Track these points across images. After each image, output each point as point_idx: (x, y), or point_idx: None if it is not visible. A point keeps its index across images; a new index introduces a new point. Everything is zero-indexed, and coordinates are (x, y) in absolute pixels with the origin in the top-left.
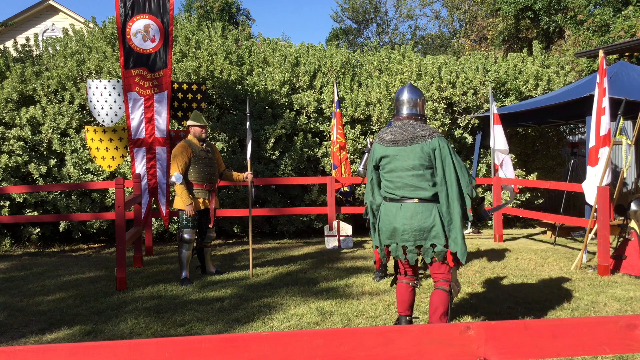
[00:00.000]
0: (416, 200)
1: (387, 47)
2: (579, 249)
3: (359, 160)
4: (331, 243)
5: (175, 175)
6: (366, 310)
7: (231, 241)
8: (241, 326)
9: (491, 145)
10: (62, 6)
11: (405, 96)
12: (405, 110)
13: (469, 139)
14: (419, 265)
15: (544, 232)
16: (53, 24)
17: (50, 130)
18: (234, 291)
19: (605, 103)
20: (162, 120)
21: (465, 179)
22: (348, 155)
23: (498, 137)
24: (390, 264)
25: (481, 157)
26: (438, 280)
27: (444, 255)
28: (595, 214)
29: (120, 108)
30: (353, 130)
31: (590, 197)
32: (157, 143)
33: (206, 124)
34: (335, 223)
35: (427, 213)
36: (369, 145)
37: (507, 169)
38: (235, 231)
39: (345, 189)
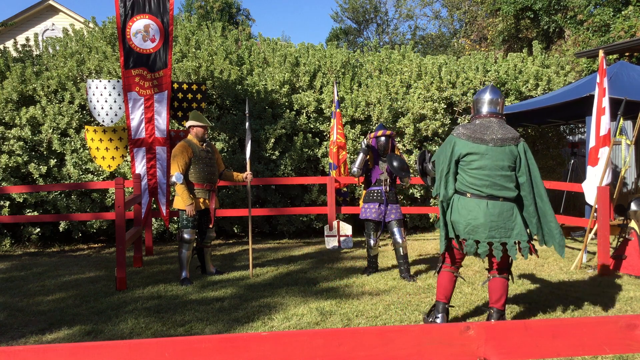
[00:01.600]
0: (501, 199)
1: (387, 47)
2: (579, 249)
3: None
4: (331, 243)
5: (176, 175)
6: (366, 310)
7: (231, 241)
8: (241, 326)
9: None
10: (62, 6)
11: (488, 95)
12: (486, 109)
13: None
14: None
15: None
16: (53, 24)
17: (50, 130)
18: (234, 291)
19: (605, 103)
20: (162, 120)
21: (542, 190)
22: (348, 156)
23: None
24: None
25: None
26: (501, 269)
27: (529, 250)
28: (595, 214)
29: (120, 108)
30: (353, 130)
31: (590, 197)
32: (157, 143)
33: (208, 124)
34: (335, 223)
35: (511, 212)
36: (364, 146)
37: None
38: (235, 231)
39: (344, 189)
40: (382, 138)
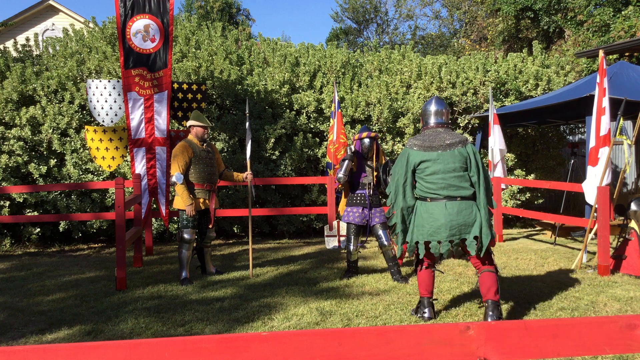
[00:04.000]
0: (459, 198)
1: (387, 47)
2: (579, 249)
3: None
4: (331, 243)
5: (176, 175)
6: (366, 310)
7: (231, 241)
8: (241, 326)
9: (490, 144)
10: (62, 6)
11: (433, 107)
12: (433, 120)
13: (469, 139)
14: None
15: (543, 232)
16: (53, 24)
17: (50, 130)
18: (234, 291)
19: (605, 103)
20: (162, 120)
21: (490, 186)
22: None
23: (497, 137)
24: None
25: (481, 157)
26: (484, 264)
27: (489, 243)
28: (595, 214)
29: (120, 108)
30: (353, 131)
31: (590, 197)
32: (157, 143)
33: (209, 124)
34: (335, 223)
35: (470, 209)
36: (349, 153)
37: (498, 170)
38: (235, 231)
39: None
40: (367, 140)
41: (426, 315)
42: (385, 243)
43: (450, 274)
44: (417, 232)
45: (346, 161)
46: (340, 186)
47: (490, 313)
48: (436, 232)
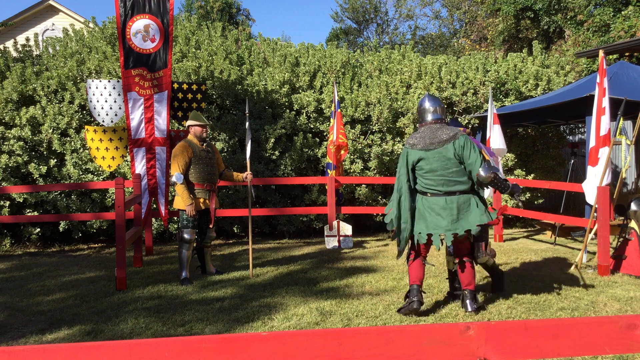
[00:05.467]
0: (457, 193)
1: (387, 47)
2: (579, 249)
3: (359, 160)
4: (331, 243)
5: (176, 175)
6: (366, 310)
7: (231, 241)
8: (241, 326)
9: (490, 144)
10: (62, 6)
11: (426, 105)
12: (428, 117)
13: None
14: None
15: (544, 232)
16: (53, 24)
17: (50, 130)
18: (234, 291)
19: (605, 103)
20: (162, 120)
21: (479, 163)
22: (347, 156)
23: (497, 137)
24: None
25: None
26: (464, 255)
27: (479, 232)
28: (595, 214)
29: (120, 108)
30: (353, 130)
31: (590, 197)
32: (157, 143)
33: (207, 123)
34: (335, 223)
35: (468, 202)
36: None
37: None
38: (235, 231)
39: (341, 189)
40: None
41: (415, 299)
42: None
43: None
44: (419, 226)
45: None
46: (339, 186)
47: (469, 302)
48: (438, 226)
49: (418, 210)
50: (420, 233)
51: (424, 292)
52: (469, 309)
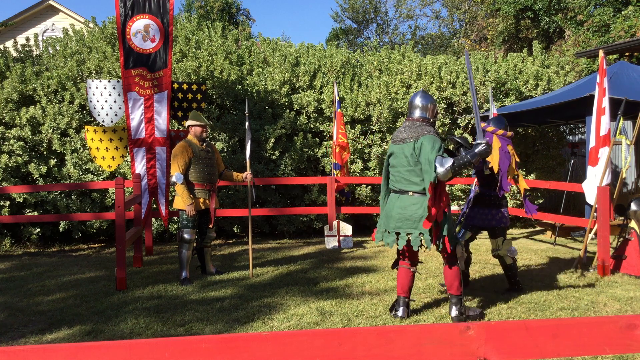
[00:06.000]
0: (410, 192)
1: (387, 47)
2: (579, 249)
3: (359, 160)
4: (331, 243)
5: (176, 175)
6: (366, 310)
7: (231, 241)
8: (241, 326)
9: None
10: (62, 6)
11: (417, 100)
12: (415, 113)
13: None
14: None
15: (544, 232)
16: (53, 24)
17: (50, 130)
18: (234, 291)
19: (605, 103)
20: (162, 120)
21: (429, 168)
22: (350, 156)
23: None
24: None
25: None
26: (445, 257)
27: (429, 242)
28: (595, 214)
29: (120, 108)
30: (353, 130)
31: (590, 197)
32: (157, 143)
33: (207, 123)
34: (335, 223)
35: (419, 205)
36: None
37: None
38: (235, 231)
39: (347, 189)
40: None
41: (399, 314)
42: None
43: None
44: (380, 221)
45: None
46: (344, 186)
47: (453, 307)
48: (386, 223)
49: (385, 207)
50: (381, 232)
51: (413, 300)
52: (451, 314)
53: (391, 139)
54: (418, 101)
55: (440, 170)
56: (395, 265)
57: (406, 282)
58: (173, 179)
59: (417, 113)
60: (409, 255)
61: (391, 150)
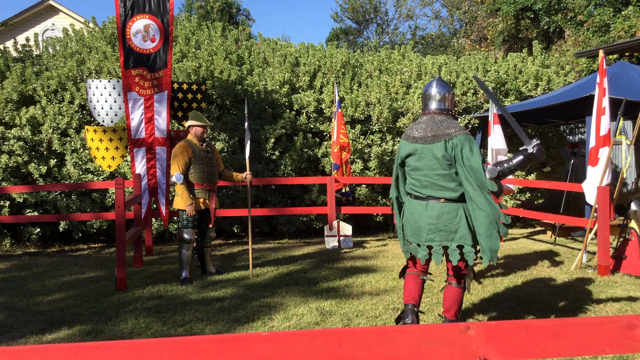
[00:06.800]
0: (442, 200)
1: (387, 47)
2: (579, 249)
3: (359, 160)
4: (331, 243)
5: (176, 175)
6: (366, 310)
7: (231, 241)
8: (241, 326)
9: (489, 144)
10: (62, 6)
11: (432, 90)
12: (432, 105)
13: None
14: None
15: (544, 232)
16: (53, 24)
17: (50, 130)
18: (234, 291)
19: (605, 103)
20: (162, 120)
21: (480, 176)
22: (350, 156)
23: (497, 137)
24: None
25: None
26: (451, 276)
27: (473, 256)
28: (595, 214)
29: (120, 108)
30: (353, 130)
31: (590, 197)
32: (157, 143)
33: (207, 123)
34: (335, 223)
35: (454, 213)
36: None
37: None
38: (235, 231)
39: (346, 189)
40: None
41: (409, 322)
42: None
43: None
44: (402, 231)
45: None
46: (345, 187)
47: None
48: (416, 234)
49: (403, 214)
50: (404, 244)
51: (422, 312)
52: None
53: (405, 136)
54: (434, 91)
55: (491, 184)
56: (402, 274)
57: (416, 290)
58: (173, 179)
59: (434, 105)
60: (420, 265)
61: (408, 150)
